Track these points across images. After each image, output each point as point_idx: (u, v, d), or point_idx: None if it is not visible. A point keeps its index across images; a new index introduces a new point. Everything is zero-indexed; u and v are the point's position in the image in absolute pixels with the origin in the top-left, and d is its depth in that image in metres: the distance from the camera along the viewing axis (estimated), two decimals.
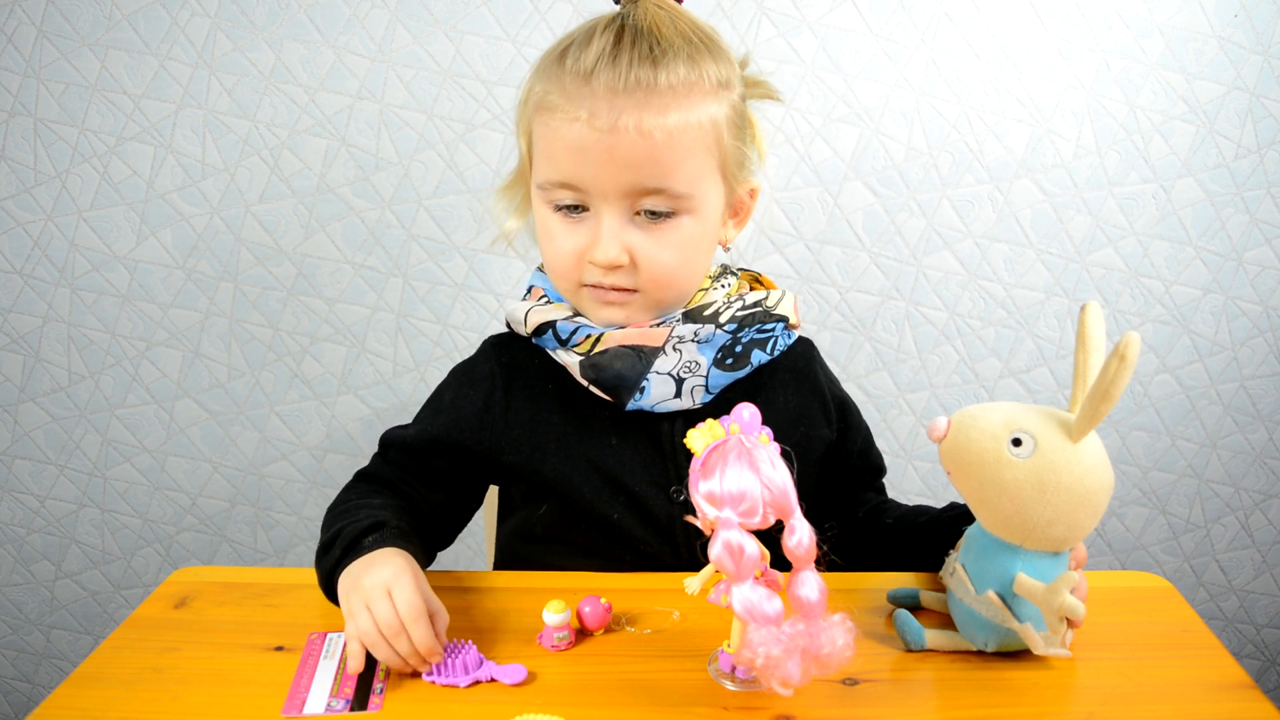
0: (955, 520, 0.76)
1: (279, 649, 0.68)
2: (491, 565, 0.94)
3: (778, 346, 0.81)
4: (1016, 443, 0.60)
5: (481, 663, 0.64)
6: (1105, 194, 1.30)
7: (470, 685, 0.63)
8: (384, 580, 0.64)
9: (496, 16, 1.23)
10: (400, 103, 1.26)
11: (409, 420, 0.86)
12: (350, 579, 0.66)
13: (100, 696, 0.62)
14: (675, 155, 0.71)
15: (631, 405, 0.77)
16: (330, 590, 0.70)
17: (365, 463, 0.85)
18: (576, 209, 0.74)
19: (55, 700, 0.62)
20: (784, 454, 0.60)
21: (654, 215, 0.73)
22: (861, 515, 0.86)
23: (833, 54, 1.24)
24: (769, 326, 0.80)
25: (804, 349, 0.87)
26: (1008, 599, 0.63)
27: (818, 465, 0.85)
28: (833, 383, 0.89)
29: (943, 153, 1.28)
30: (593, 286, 0.76)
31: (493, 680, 0.63)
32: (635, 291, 0.76)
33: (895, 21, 1.23)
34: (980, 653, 0.66)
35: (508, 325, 0.84)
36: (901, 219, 1.31)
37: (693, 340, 0.77)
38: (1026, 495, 0.60)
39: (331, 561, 0.69)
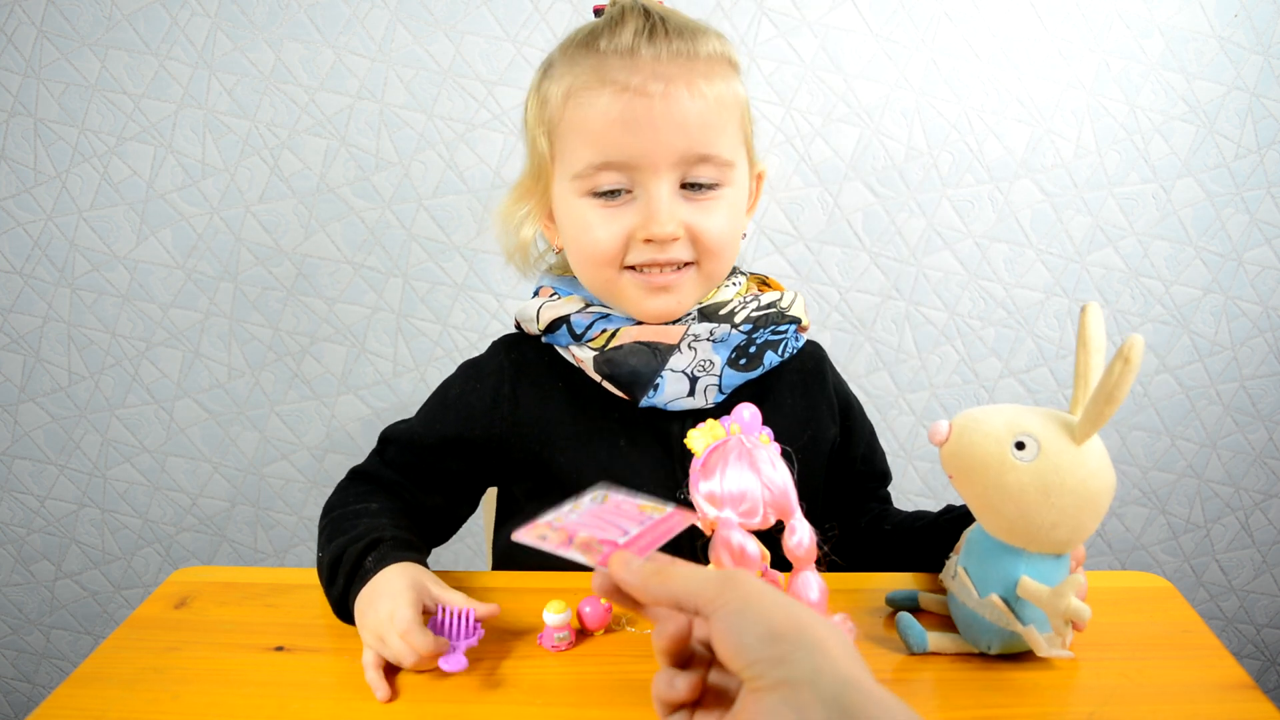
0: (951, 524, 0.76)
1: (279, 649, 0.68)
2: (491, 565, 0.94)
3: (789, 349, 0.81)
4: (1020, 446, 0.60)
5: (475, 630, 0.65)
6: (1105, 194, 1.30)
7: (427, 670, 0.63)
8: (376, 629, 0.64)
9: (496, 16, 1.23)
10: (400, 103, 1.26)
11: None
12: (360, 613, 0.66)
13: (100, 696, 0.62)
14: (721, 120, 0.73)
15: (645, 402, 0.76)
16: (343, 614, 0.70)
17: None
18: (617, 194, 0.74)
19: (55, 700, 0.62)
20: (784, 454, 0.60)
21: (699, 187, 0.73)
22: (863, 524, 0.86)
23: (833, 54, 1.24)
24: (782, 328, 0.80)
25: (815, 351, 0.87)
26: (1011, 602, 0.63)
27: (824, 469, 0.85)
28: (840, 386, 0.88)
29: (943, 153, 1.28)
30: (641, 269, 0.75)
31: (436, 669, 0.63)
32: (691, 265, 0.75)
33: (895, 21, 1.23)
34: (982, 654, 0.66)
35: (517, 325, 0.84)
36: (901, 219, 1.31)
37: (708, 339, 0.77)
38: (1030, 498, 0.59)
39: (338, 591, 0.69)
